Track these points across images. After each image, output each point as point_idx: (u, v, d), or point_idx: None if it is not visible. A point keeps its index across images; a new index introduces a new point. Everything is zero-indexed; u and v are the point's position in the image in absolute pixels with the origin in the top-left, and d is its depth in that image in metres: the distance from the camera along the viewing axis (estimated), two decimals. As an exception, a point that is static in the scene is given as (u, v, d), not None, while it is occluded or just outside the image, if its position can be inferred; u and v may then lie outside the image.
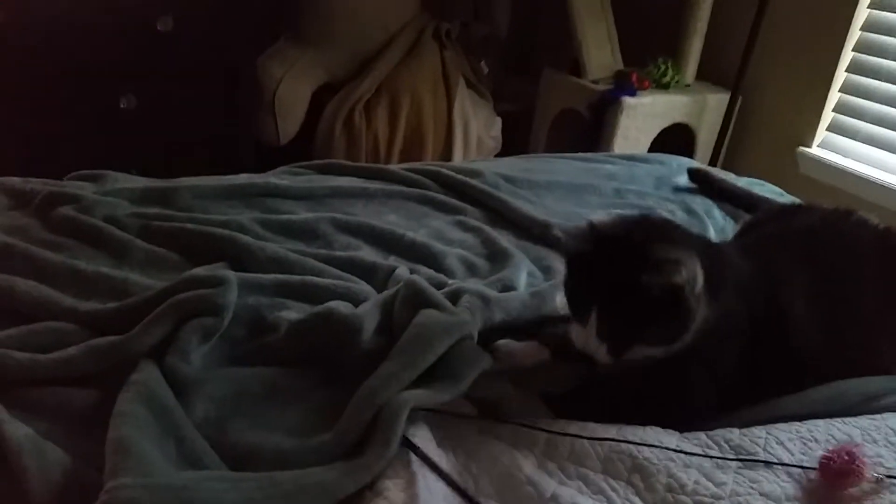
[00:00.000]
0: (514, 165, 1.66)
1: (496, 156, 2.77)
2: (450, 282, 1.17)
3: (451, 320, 0.95)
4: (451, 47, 2.77)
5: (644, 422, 0.94)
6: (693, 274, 0.90)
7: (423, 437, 0.85)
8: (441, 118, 2.70)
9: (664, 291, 0.88)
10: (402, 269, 1.15)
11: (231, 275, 1.02)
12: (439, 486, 0.81)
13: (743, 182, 1.72)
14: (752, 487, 0.86)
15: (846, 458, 0.84)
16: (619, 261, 0.91)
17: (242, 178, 1.42)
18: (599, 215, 1.00)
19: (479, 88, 2.86)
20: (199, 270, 1.03)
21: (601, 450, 0.89)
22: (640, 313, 0.91)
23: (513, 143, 2.85)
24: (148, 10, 2.15)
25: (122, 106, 2.19)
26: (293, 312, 1.02)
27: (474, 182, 1.48)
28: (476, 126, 2.75)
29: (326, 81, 2.66)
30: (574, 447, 0.89)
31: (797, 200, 1.64)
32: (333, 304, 1.00)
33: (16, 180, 1.29)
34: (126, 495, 0.67)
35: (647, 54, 2.78)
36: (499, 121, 2.86)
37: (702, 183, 1.65)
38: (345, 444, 0.82)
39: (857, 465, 0.83)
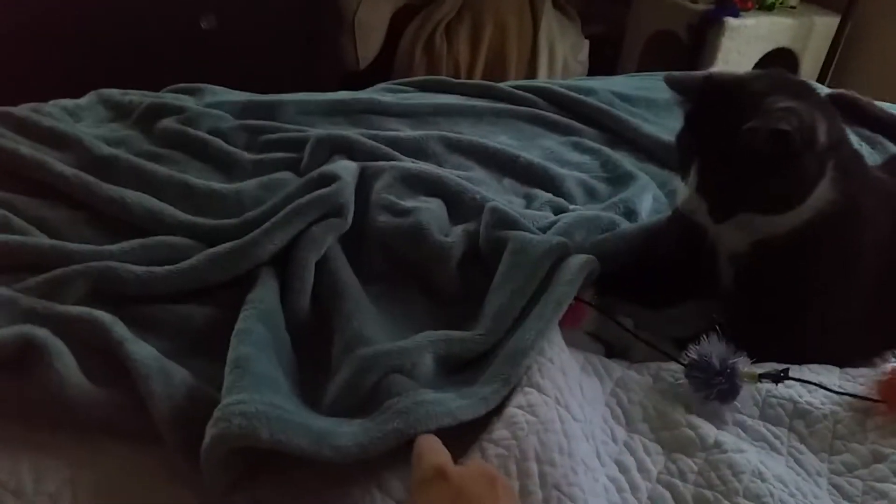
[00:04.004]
0: (627, 83, 1.53)
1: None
2: (570, 207, 1.08)
3: (549, 242, 0.87)
4: (538, -36, 2.61)
5: (780, 353, 0.84)
6: (809, 125, 0.76)
7: (563, 361, 0.78)
8: (525, 41, 2.55)
9: (769, 139, 0.75)
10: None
11: (343, 171, 0.96)
12: (577, 427, 0.73)
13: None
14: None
15: None
16: (729, 110, 0.80)
17: (343, 94, 1.34)
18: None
19: (567, 9, 2.69)
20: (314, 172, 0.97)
21: (758, 395, 0.81)
22: (743, 166, 0.79)
23: (600, 69, 2.69)
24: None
25: (202, 26, 2.12)
26: (387, 215, 0.96)
27: (588, 100, 1.37)
28: (562, 49, 2.60)
29: (406, 3, 2.54)
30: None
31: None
32: (424, 220, 0.93)
33: (114, 91, 1.24)
34: (240, 410, 0.62)
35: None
36: (586, 44, 2.70)
37: (847, 108, 1.49)
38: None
39: None
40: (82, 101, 1.22)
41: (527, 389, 0.73)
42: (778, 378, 0.80)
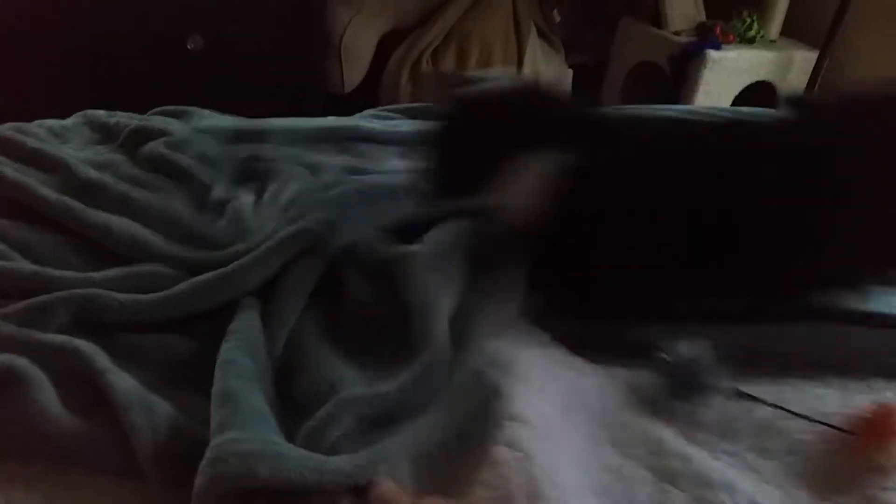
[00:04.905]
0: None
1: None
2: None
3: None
4: (524, -7, 2.64)
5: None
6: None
7: (548, 388, 0.77)
8: (510, 68, 2.58)
9: None
10: None
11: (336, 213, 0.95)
12: (564, 457, 0.73)
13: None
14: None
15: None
16: None
17: (331, 120, 1.33)
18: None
19: (551, 38, 2.73)
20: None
21: (747, 422, 0.81)
22: None
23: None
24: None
25: (188, 47, 2.11)
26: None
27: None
28: (547, 77, 2.63)
29: (393, 27, 2.56)
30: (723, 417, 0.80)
31: None
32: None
33: (100, 113, 1.23)
34: (235, 449, 0.61)
35: (731, 7, 2.62)
36: (570, 73, 2.73)
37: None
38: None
39: None
40: (68, 122, 1.21)
41: (509, 423, 0.72)
42: (742, 395, 0.81)
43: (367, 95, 2.48)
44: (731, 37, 2.55)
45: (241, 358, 0.74)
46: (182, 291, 0.82)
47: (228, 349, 0.75)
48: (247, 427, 0.64)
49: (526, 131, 0.91)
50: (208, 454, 0.61)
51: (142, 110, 1.31)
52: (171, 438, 0.67)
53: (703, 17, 2.62)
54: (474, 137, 0.93)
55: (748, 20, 2.58)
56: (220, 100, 1.51)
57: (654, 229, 0.92)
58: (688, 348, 0.80)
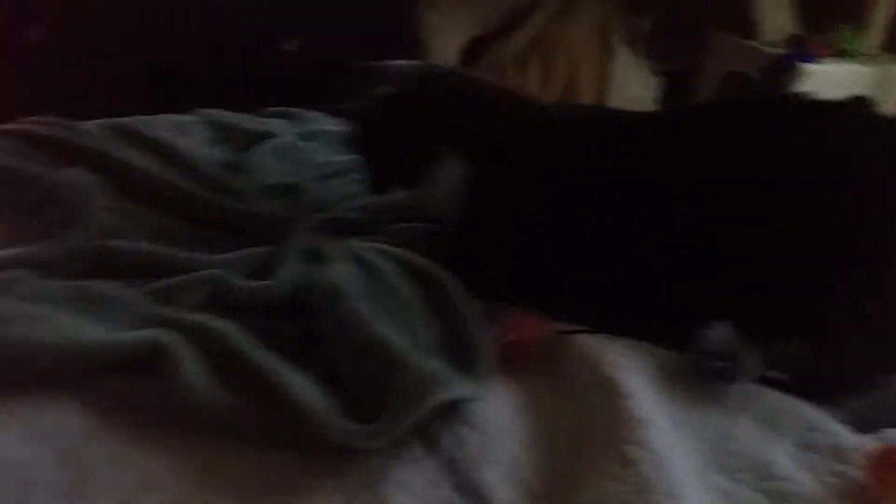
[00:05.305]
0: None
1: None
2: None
3: None
4: (611, 1, 2.62)
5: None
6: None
7: (638, 385, 0.78)
8: (597, 76, 2.57)
9: None
10: None
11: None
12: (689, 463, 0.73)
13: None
14: None
15: None
16: None
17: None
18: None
19: (637, 46, 2.70)
20: None
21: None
22: None
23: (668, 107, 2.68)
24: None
25: (285, 48, 2.17)
26: None
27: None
28: (634, 86, 2.61)
29: (480, 32, 2.57)
30: (838, 442, 0.79)
31: None
32: None
33: (218, 113, 1.28)
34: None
35: (827, 18, 2.55)
36: (656, 82, 2.70)
37: None
38: None
39: None
40: (188, 118, 1.26)
41: (633, 425, 0.72)
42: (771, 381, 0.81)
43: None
44: (827, 50, 2.48)
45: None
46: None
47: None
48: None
49: (442, 124, 0.92)
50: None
51: (247, 109, 1.36)
52: (322, 401, 0.69)
53: (796, 29, 2.56)
54: (394, 135, 0.95)
55: (845, 33, 2.50)
56: (318, 100, 1.56)
57: (567, 221, 0.87)
58: (719, 331, 0.80)
